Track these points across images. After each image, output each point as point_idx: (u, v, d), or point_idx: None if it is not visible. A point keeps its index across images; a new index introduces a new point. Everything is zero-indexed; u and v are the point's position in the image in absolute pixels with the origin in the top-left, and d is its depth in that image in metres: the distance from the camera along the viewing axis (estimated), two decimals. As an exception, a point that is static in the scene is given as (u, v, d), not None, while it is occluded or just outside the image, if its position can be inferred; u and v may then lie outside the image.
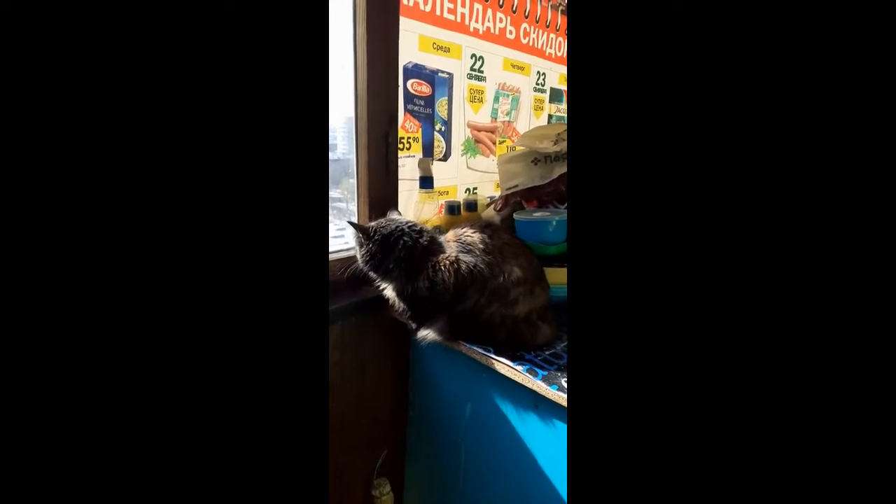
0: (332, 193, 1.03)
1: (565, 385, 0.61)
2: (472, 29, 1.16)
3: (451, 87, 1.15)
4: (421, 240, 0.72)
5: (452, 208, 1.01)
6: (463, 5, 1.11)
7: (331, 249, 0.90)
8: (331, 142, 0.98)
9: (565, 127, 1.02)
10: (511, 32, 1.27)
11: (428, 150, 1.12)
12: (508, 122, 1.36)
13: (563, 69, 1.49)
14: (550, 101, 1.50)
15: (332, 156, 0.99)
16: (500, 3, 1.21)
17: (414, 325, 0.76)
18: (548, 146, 1.00)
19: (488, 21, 1.19)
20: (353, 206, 0.95)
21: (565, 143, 0.99)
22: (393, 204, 0.95)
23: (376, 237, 0.72)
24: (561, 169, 0.98)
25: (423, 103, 1.08)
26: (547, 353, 0.70)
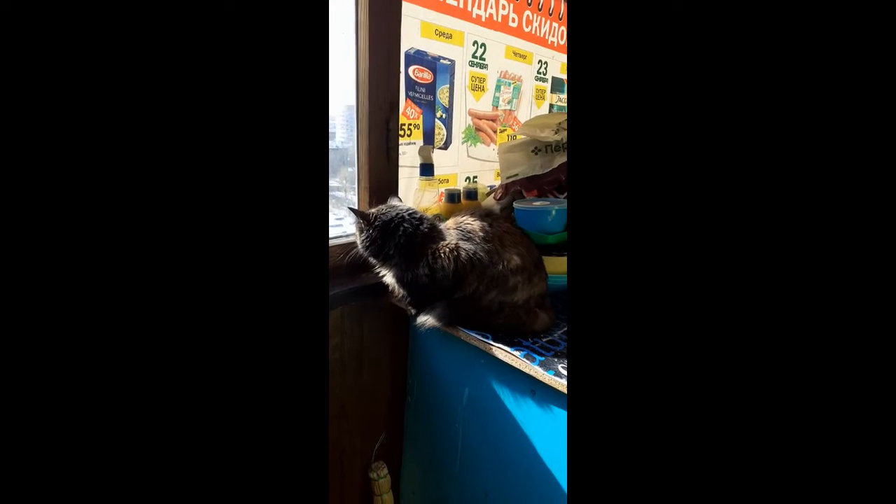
0: (331, 182, 1.03)
1: (562, 371, 0.62)
2: (474, 15, 1.15)
3: (452, 75, 1.14)
4: (421, 227, 0.72)
5: (452, 196, 1.01)
6: (465, -9, 1.10)
7: (329, 237, 0.90)
8: (329, 130, 0.98)
9: (566, 116, 1.02)
10: (514, 20, 1.26)
11: (429, 138, 1.12)
12: (509, 110, 1.36)
13: (566, 58, 1.48)
14: (552, 91, 1.50)
15: (330, 144, 0.98)
16: (503, -11, 1.20)
17: (413, 311, 0.77)
18: (548, 135, 1.00)
19: (491, 7, 1.18)
20: (352, 196, 0.95)
21: (566, 133, 0.99)
22: (393, 191, 0.95)
23: (377, 223, 0.72)
24: (561, 158, 0.98)
25: (424, 90, 1.08)
26: (544, 339, 0.70)
